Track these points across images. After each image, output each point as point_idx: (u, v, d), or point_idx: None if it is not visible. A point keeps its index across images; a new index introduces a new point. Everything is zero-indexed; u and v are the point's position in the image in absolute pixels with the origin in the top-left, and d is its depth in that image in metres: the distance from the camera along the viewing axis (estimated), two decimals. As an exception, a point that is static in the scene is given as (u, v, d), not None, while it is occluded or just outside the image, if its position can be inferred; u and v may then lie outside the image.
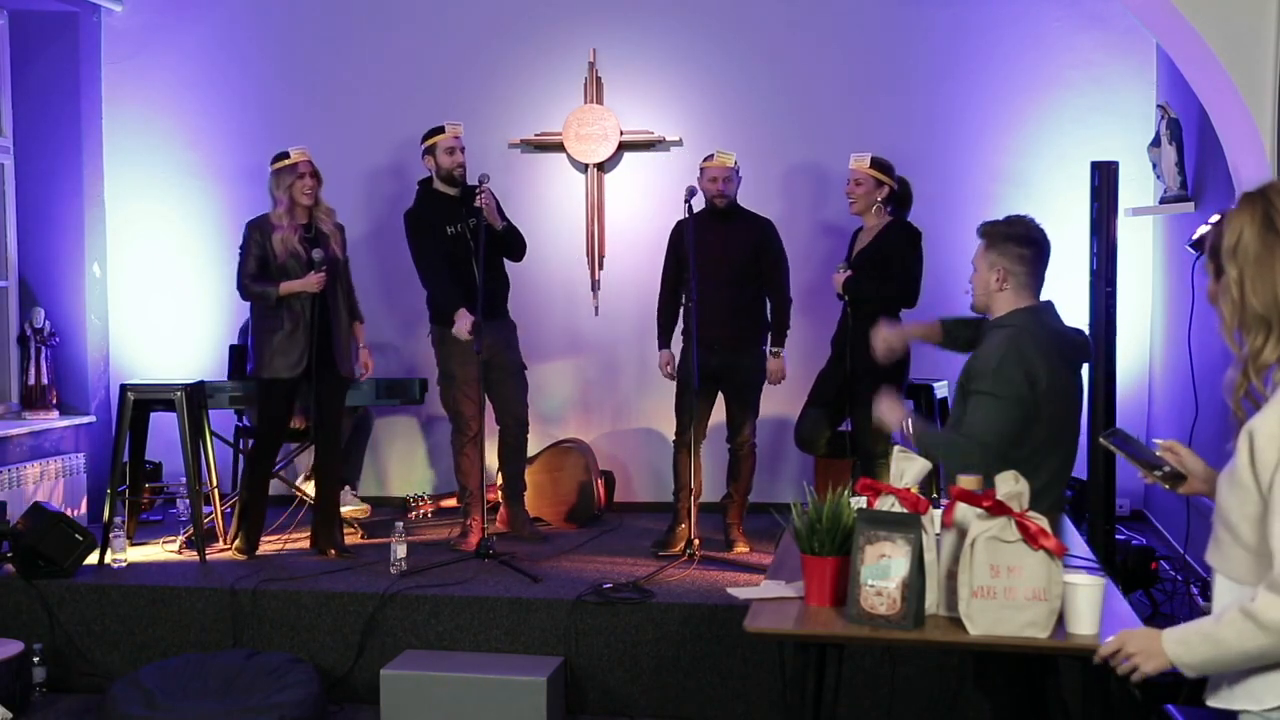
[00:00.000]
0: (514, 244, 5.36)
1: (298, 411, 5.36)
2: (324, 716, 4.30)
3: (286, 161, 5.08)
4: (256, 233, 5.10)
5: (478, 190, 5.11)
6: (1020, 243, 3.30)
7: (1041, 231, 3.37)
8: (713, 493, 5.47)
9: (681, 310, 5.24)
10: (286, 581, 4.71)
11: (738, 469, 5.24)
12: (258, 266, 5.08)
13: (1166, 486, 2.36)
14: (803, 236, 6.06)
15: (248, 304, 5.26)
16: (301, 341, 5.04)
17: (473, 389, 5.20)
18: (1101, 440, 2.67)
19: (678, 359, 5.27)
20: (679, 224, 5.30)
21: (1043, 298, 3.38)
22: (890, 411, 3.37)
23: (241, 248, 5.14)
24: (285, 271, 5.05)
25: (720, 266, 5.06)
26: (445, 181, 5.28)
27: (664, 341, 5.34)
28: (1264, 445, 1.93)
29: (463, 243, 5.22)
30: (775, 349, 5.22)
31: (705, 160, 5.24)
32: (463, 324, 5.11)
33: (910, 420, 3.29)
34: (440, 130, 5.27)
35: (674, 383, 5.27)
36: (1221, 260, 2.08)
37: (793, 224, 5.98)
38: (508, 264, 5.43)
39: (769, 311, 5.25)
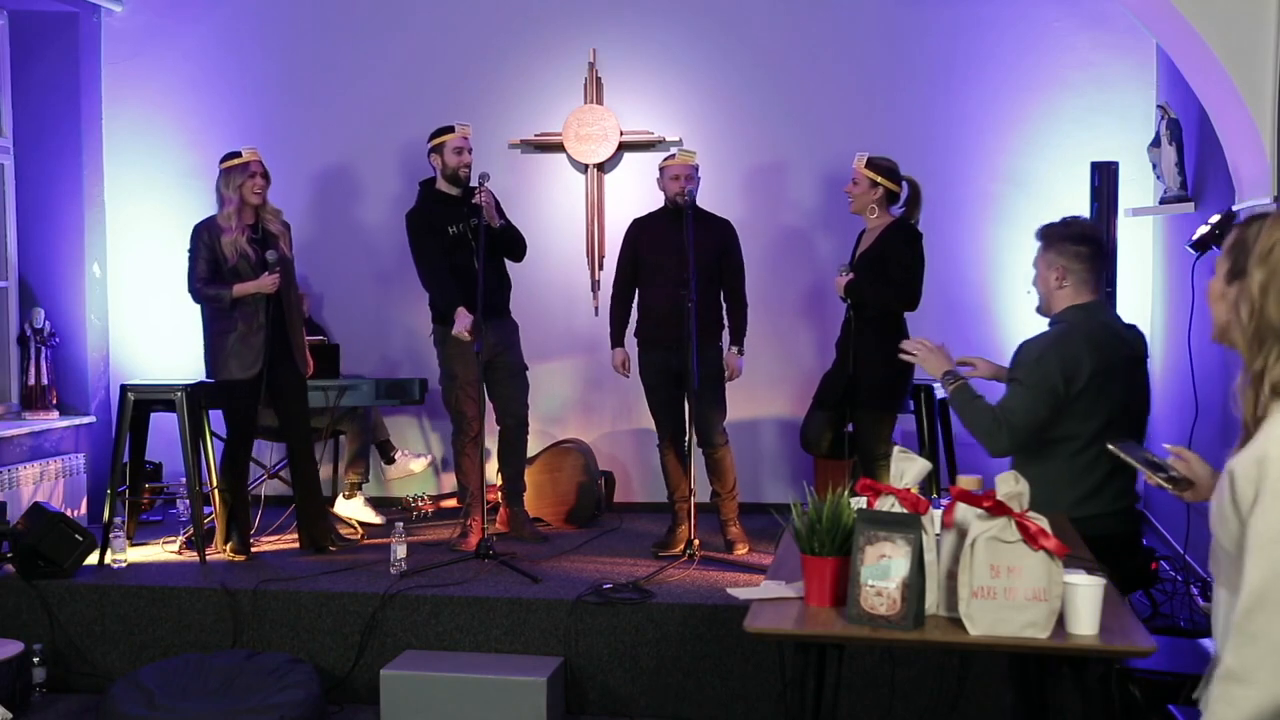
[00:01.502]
0: (514, 243, 5.36)
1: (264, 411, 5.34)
2: (324, 717, 4.30)
3: (237, 160, 5.06)
4: (205, 235, 5.06)
5: (477, 189, 5.11)
6: (1077, 240, 3.41)
7: (1098, 230, 3.55)
8: (706, 493, 5.46)
9: (635, 310, 5.29)
10: (286, 581, 4.71)
11: (717, 468, 5.22)
12: (209, 269, 5.04)
13: (1173, 491, 2.36)
14: (801, 238, 6.06)
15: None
16: (257, 342, 5.02)
17: (474, 389, 5.20)
18: (1110, 448, 2.78)
19: (635, 359, 5.30)
20: (635, 222, 5.32)
21: None
22: (931, 356, 3.52)
23: (191, 251, 5.09)
24: (236, 273, 5.02)
25: (684, 266, 5.00)
26: (450, 181, 5.28)
27: (618, 340, 5.35)
28: (1243, 486, 1.90)
29: (464, 242, 5.22)
30: (735, 347, 5.21)
31: (666, 159, 5.23)
32: (462, 323, 5.11)
33: (951, 374, 3.44)
34: (450, 130, 5.27)
35: (650, 384, 5.26)
36: (1247, 262, 2.02)
37: (791, 225, 5.98)
38: (509, 264, 5.43)
39: (726, 313, 5.24)
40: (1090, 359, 3.27)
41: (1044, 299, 3.49)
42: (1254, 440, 1.94)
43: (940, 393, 5.46)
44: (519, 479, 5.50)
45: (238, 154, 5.08)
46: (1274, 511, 1.88)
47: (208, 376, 5.22)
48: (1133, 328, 3.55)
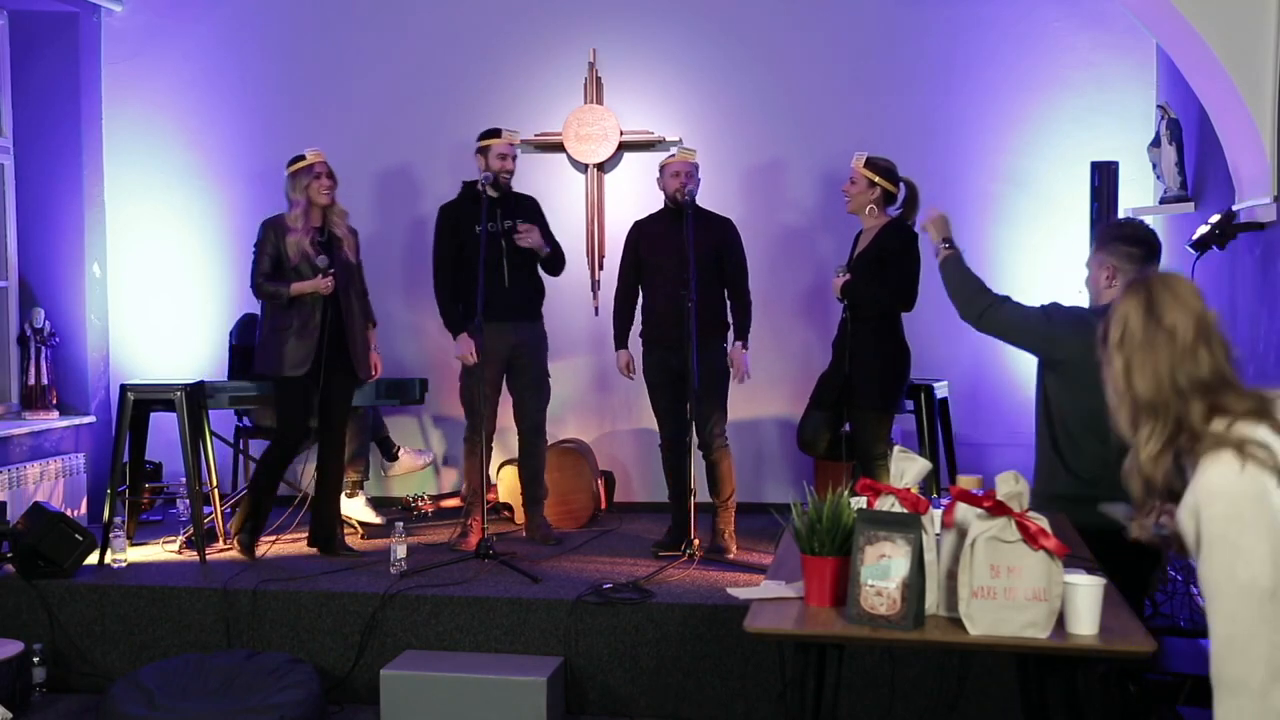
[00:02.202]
0: (554, 261, 5.42)
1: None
2: (324, 717, 4.30)
3: (303, 163, 5.09)
4: (271, 232, 5.10)
5: (515, 230, 5.19)
6: (1128, 241, 3.47)
7: (1151, 232, 3.55)
8: (707, 493, 5.45)
9: (638, 310, 5.29)
10: (286, 581, 4.71)
11: (715, 474, 5.19)
12: (272, 266, 5.08)
13: (1164, 548, 2.41)
14: (801, 238, 6.06)
15: (256, 304, 5.28)
16: (310, 343, 5.04)
17: (489, 388, 5.21)
18: (1101, 509, 2.85)
19: (639, 360, 5.30)
20: (636, 225, 5.33)
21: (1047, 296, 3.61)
22: (934, 224, 3.81)
23: (256, 246, 5.14)
24: (298, 273, 5.06)
25: (684, 266, 4.98)
26: (489, 184, 5.30)
27: (621, 342, 5.35)
28: (1188, 537, 1.97)
29: (494, 242, 5.23)
30: (740, 342, 5.19)
31: (667, 157, 5.24)
32: (463, 348, 5.19)
33: (953, 250, 3.72)
34: (497, 134, 5.30)
35: (653, 383, 5.26)
36: (1109, 352, 2.14)
37: (791, 225, 5.98)
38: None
39: (730, 311, 5.24)
40: None
41: (1094, 298, 3.54)
42: (1188, 490, 1.98)
43: (940, 391, 5.47)
44: (534, 484, 5.47)
45: (302, 157, 5.11)
46: (1217, 559, 1.91)
47: (255, 370, 5.26)
48: None
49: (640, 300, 5.30)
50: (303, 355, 5.05)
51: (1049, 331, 3.44)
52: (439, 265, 5.33)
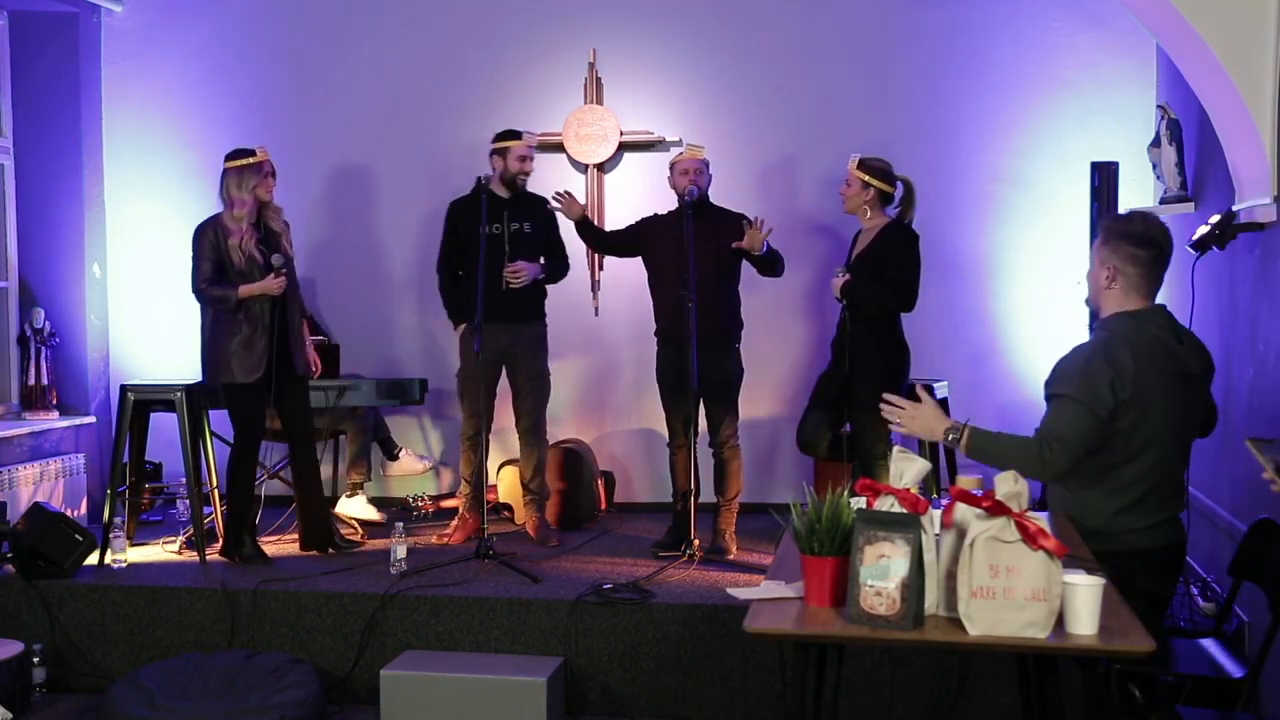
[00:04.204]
0: (554, 275, 5.46)
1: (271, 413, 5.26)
2: (324, 717, 4.30)
3: (251, 160, 4.94)
4: (210, 235, 4.94)
5: (510, 275, 5.20)
6: (1136, 242, 3.18)
7: (1164, 232, 3.22)
8: (711, 494, 5.46)
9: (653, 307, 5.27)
10: (286, 581, 4.71)
11: (723, 472, 5.19)
12: (214, 270, 4.93)
13: None
14: (802, 237, 6.06)
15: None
16: (260, 345, 4.93)
17: (477, 386, 5.20)
18: (1248, 443, 2.60)
19: (652, 360, 5.27)
20: (649, 218, 5.32)
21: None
22: (920, 416, 3.35)
23: (195, 252, 4.96)
24: (243, 275, 4.92)
25: (688, 265, 4.96)
26: (505, 184, 5.30)
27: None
28: None
29: (497, 244, 5.23)
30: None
31: (677, 155, 5.24)
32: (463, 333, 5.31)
33: (963, 430, 3.24)
34: (517, 136, 5.32)
35: (664, 383, 5.26)
36: None
37: (792, 224, 5.98)
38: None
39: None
40: (1135, 370, 3.10)
41: (1092, 296, 3.31)
42: None
43: (940, 391, 5.46)
44: (533, 484, 5.45)
45: (250, 152, 4.96)
46: None
47: (204, 379, 5.13)
48: (1192, 339, 3.30)
49: (652, 298, 5.28)
50: (255, 361, 4.92)
51: (1103, 395, 3.07)
52: (441, 259, 5.42)
